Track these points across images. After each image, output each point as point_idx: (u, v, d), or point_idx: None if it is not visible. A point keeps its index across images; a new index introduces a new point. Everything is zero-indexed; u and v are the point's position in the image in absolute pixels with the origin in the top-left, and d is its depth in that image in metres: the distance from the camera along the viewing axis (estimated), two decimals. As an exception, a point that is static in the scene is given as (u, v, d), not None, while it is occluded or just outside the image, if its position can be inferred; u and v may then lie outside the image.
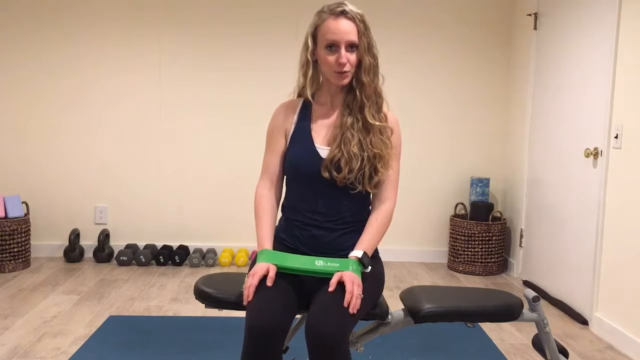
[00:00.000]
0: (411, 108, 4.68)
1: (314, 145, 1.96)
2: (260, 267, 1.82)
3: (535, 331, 2.17)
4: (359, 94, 1.93)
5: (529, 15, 4.29)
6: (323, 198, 1.95)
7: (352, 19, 1.89)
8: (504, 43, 4.72)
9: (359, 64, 1.91)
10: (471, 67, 4.73)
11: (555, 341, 2.16)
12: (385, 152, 1.93)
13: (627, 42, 3.14)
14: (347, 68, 1.90)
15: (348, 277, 1.76)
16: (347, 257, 1.94)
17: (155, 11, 4.57)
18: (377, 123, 1.93)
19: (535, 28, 4.23)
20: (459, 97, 4.75)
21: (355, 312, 1.71)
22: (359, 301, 1.74)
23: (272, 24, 4.59)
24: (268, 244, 1.93)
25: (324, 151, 1.94)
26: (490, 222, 4.46)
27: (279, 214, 2.08)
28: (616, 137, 3.20)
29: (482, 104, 4.77)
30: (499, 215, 4.65)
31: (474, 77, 4.74)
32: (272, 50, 4.59)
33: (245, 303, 1.77)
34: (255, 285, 1.77)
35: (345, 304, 1.71)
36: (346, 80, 1.93)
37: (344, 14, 1.89)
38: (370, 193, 2.00)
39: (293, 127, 2.00)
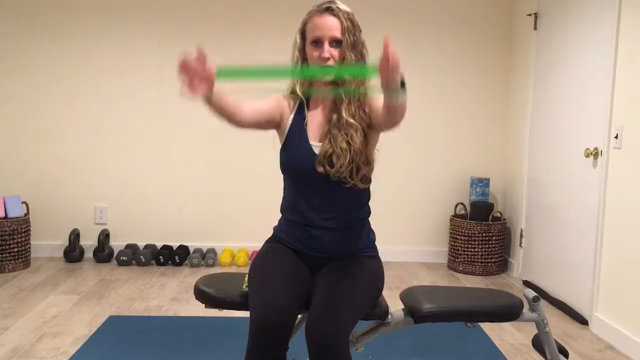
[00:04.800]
0: (411, 108, 4.61)
1: (308, 142, 1.97)
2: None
3: (535, 331, 2.17)
4: (341, 90, 1.95)
5: (529, 15, 4.29)
6: (319, 194, 1.95)
7: (337, 15, 1.92)
8: (504, 43, 4.72)
9: (343, 60, 1.93)
10: (471, 67, 4.73)
11: (555, 341, 2.16)
12: (364, 149, 1.93)
13: (627, 42, 3.14)
14: (330, 63, 1.92)
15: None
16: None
17: (155, 11, 4.57)
18: (351, 120, 1.93)
19: (535, 28, 4.23)
20: (459, 97, 4.75)
21: (394, 72, 1.69)
22: (397, 70, 1.68)
23: (274, 24, 4.57)
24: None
25: (317, 147, 1.95)
26: (490, 222, 4.46)
27: (279, 215, 2.09)
28: (616, 137, 3.20)
29: (482, 104, 4.77)
30: (499, 215, 4.65)
31: (474, 77, 4.74)
32: (273, 50, 4.54)
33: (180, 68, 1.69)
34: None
35: (384, 68, 1.67)
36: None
37: (329, 10, 1.93)
38: (363, 191, 2.00)
39: (290, 121, 2.02)
